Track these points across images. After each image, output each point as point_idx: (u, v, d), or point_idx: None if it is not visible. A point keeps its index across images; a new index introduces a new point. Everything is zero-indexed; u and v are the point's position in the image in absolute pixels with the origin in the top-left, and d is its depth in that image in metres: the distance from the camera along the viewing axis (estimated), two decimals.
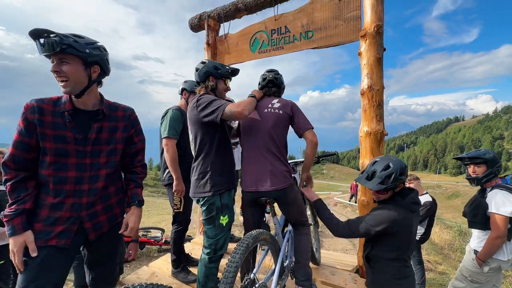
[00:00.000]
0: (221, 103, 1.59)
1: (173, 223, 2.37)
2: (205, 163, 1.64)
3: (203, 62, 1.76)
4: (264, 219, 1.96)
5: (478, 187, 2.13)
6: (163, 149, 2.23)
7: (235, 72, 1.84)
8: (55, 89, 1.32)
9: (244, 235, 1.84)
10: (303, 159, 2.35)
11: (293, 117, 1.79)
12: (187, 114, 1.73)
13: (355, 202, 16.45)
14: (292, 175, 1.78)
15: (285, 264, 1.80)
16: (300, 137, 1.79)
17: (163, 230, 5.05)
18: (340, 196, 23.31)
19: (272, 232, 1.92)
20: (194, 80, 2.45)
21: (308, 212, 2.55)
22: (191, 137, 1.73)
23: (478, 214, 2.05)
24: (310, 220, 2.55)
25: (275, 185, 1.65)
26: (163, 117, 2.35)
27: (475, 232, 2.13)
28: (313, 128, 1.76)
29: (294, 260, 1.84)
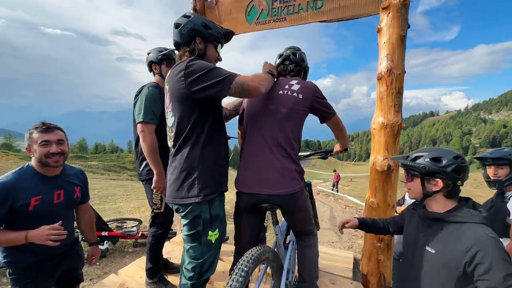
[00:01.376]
0: (225, 72, 1.17)
1: (151, 225, 1.96)
2: (192, 155, 1.22)
3: (186, 16, 1.28)
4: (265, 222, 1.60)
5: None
6: (138, 136, 1.77)
7: (229, 36, 1.40)
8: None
9: (235, 251, 1.48)
10: (309, 153, 2.01)
11: (316, 104, 1.42)
12: (168, 87, 1.28)
13: (337, 191, 17.11)
14: (303, 174, 1.42)
15: (287, 280, 1.48)
16: (322, 123, 1.49)
17: (140, 221, 4.59)
18: (322, 184, 23.82)
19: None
20: (160, 47, 1.95)
21: None
22: (170, 120, 1.29)
23: (496, 221, 1.85)
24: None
25: (282, 189, 1.28)
26: (136, 96, 1.86)
27: None
28: (336, 113, 1.48)
29: (297, 276, 1.53)
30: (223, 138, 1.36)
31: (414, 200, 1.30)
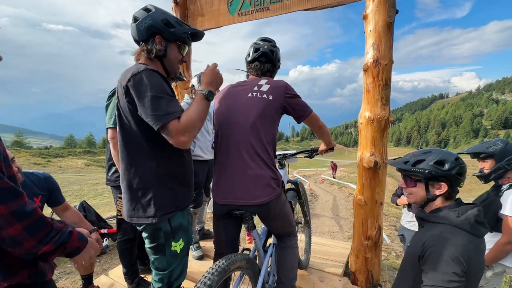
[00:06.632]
0: (163, 109, 1.00)
1: (117, 231, 1.92)
2: (145, 172, 1.11)
3: (146, 10, 1.14)
4: None
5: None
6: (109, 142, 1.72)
7: (197, 36, 1.28)
8: None
9: (214, 253, 1.46)
10: (295, 152, 1.94)
11: (288, 103, 1.34)
12: (117, 90, 1.15)
13: (334, 178, 19.68)
14: (281, 180, 1.36)
15: (267, 284, 1.46)
16: (298, 123, 1.43)
17: None
18: (327, 173, 23.82)
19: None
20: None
21: (300, 213, 2.20)
22: (117, 128, 1.17)
23: (488, 214, 1.78)
24: (301, 220, 2.20)
25: (256, 199, 1.23)
26: (110, 97, 1.77)
27: None
28: (312, 111, 1.38)
29: (276, 279, 1.50)
30: (183, 150, 1.23)
31: None
